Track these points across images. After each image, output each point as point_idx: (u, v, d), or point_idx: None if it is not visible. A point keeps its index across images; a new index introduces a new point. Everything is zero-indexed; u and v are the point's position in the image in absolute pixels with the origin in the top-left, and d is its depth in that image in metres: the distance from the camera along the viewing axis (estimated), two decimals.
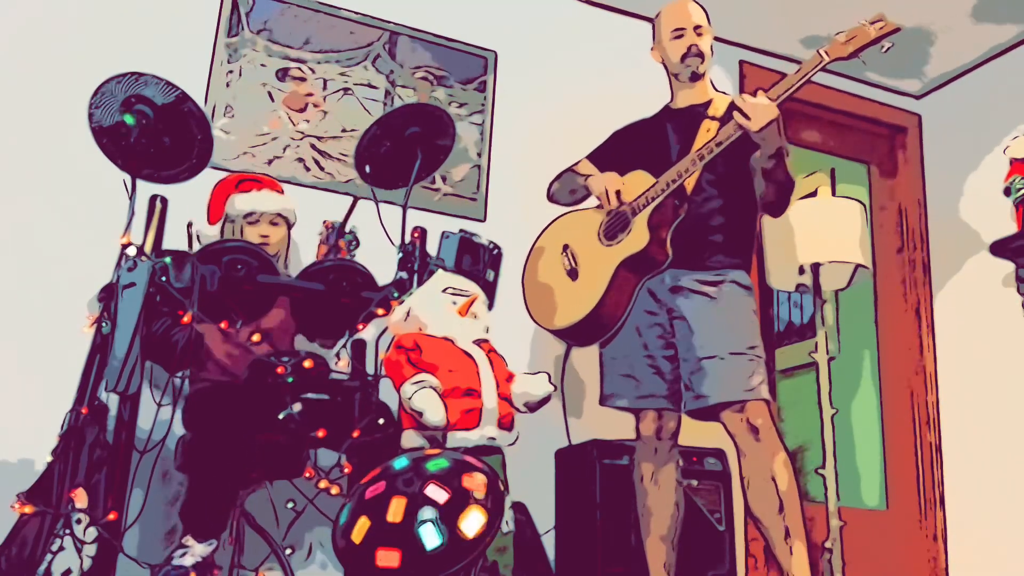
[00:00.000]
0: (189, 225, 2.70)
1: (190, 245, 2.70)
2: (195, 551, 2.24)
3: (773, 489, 2.34)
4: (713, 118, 2.59)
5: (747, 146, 2.46)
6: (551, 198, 2.89)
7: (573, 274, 2.66)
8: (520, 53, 3.78)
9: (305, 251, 3.02)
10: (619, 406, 2.61)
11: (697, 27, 2.65)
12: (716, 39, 2.71)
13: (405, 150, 2.55)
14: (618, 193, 2.58)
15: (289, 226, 2.86)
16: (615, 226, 2.61)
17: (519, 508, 2.87)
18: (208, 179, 2.65)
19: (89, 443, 2.10)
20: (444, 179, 3.53)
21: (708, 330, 2.46)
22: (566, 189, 2.83)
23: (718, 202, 2.57)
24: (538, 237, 2.83)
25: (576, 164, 2.84)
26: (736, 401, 2.39)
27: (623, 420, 2.67)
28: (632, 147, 2.73)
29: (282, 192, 2.95)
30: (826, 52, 2.42)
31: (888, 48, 2.38)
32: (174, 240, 2.49)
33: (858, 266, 3.42)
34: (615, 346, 2.61)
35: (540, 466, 3.20)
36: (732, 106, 2.43)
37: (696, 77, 2.67)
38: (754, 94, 2.42)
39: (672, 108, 2.74)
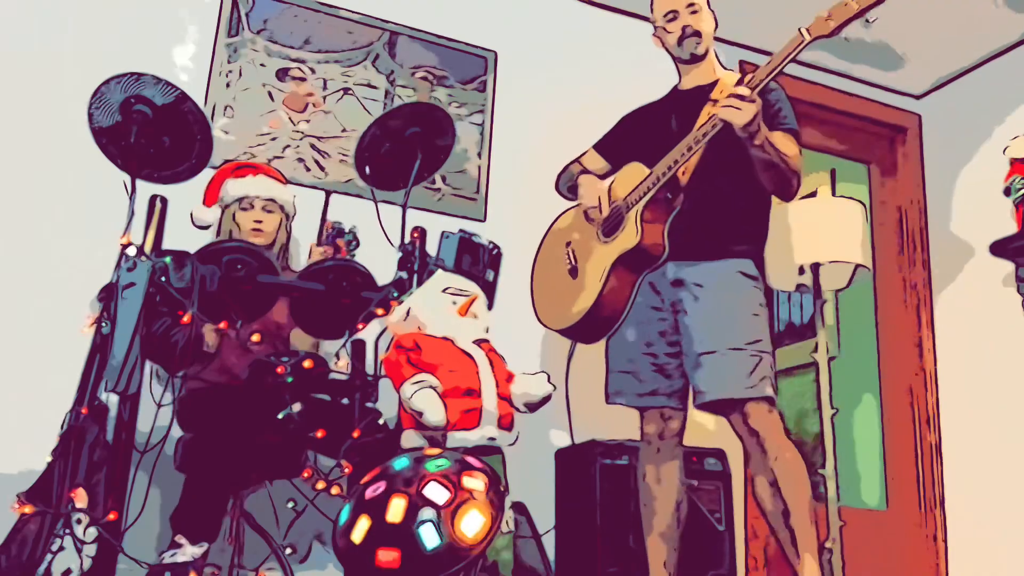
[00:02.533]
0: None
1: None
2: (187, 551, 2.24)
3: (776, 493, 2.31)
4: (716, 101, 2.47)
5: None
6: (557, 190, 2.84)
7: (573, 272, 2.64)
8: (520, 53, 3.78)
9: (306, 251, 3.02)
10: (621, 403, 2.58)
11: (690, 5, 2.56)
12: (716, 39, 2.64)
13: (405, 150, 2.55)
14: (599, 207, 2.55)
15: (287, 216, 2.84)
16: (612, 222, 2.58)
17: (519, 508, 2.87)
18: (208, 179, 2.65)
19: (89, 443, 2.09)
20: (444, 179, 3.53)
21: (707, 324, 2.40)
22: (566, 184, 2.80)
23: (721, 189, 2.47)
24: (547, 232, 2.82)
25: (582, 155, 2.79)
26: (738, 399, 2.35)
27: (625, 420, 2.67)
28: (637, 133, 2.69)
29: (283, 182, 2.90)
30: (807, 31, 2.32)
31: (873, 20, 2.25)
32: (174, 240, 2.50)
33: (858, 266, 3.41)
34: (617, 343, 2.59)
35: (540, 466, 3.20)
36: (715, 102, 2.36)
37: (697, 58, 2.59)
38: (740, 81, 2.33)
39: (679, 90, 2.67)
